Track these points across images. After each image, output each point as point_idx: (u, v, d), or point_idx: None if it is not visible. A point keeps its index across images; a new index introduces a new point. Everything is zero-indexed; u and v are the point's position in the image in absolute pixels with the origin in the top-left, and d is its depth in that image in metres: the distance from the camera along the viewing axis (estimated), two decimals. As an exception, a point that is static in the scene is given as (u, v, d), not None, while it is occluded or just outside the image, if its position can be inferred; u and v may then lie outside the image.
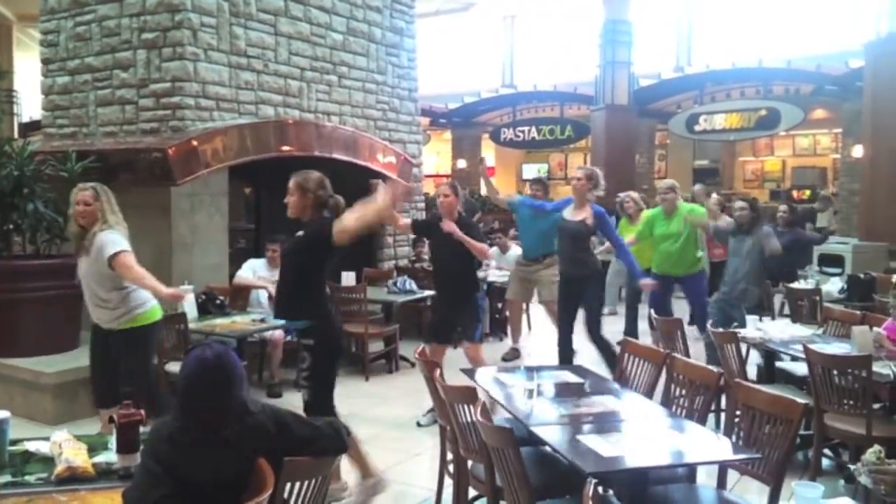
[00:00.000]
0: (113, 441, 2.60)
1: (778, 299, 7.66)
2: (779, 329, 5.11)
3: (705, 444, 3.01)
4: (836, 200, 13.65)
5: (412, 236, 8.35)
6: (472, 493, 3.44)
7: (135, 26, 6.33)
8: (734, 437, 3.29)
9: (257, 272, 6.42)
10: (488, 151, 21.45)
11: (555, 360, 6.06)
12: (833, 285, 7.38)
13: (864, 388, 3.87)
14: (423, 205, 8.98)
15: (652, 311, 5.68)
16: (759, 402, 3.14)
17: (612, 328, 8.26)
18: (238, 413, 2.25)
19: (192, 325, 5.26)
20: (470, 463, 3.38)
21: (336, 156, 7.23)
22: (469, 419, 3.19)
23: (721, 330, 4.90)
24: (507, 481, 2.78)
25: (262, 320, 5.71)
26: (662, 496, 3.01)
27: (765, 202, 15.98)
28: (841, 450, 4.47)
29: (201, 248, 6.27)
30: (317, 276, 3.81)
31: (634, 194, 8.56)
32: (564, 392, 3.62)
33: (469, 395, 3.22)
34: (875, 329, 4.35)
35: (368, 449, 3.86)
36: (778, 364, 4.99)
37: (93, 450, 2.67)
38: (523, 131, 18.83)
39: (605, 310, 9.66)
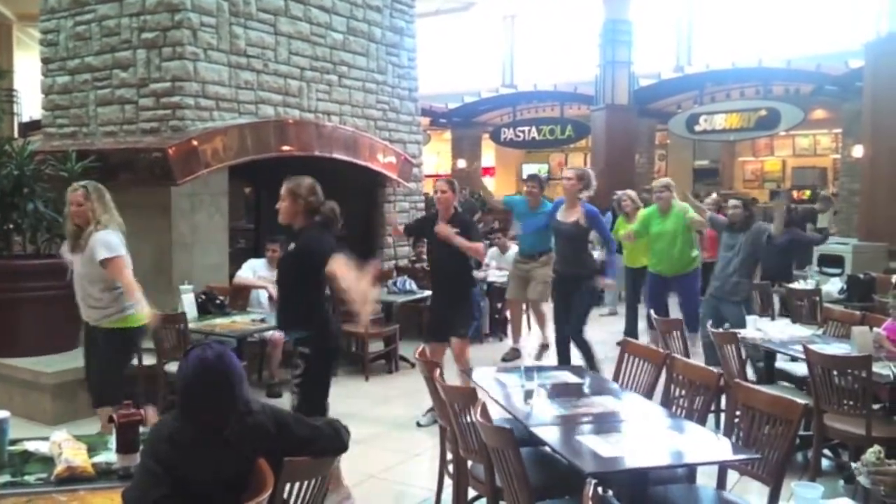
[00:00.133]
0: (112, 441, 2.60)
1: (776, 299, 7.66)
2: (778, 329, 5.11)
3: (705, 445, 3.02)
4: (835, 201, 13.65)
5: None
6: (471, 493, 3.44)
7: (135, 26, 6.33)
8: (734, 438, 3.29)
9: (257, 272, 6.42)
10: (488, 151, 21.46)
11: (554, 361, 6.08)
12: (833, 286, 7.39)
13: (863, 388, 3.87)
14: (422, 205, 8.99)
15: (652, 312, 5.69)
16: (758, 402, 3.14)
17: (613, 328, 8.28)
18: (238, 413, 2.25)
19: (191, 325, 5.27)
20: (470, 463, 3.38)
21: (336, 156, 7.23)
22: (469, 419, 3.19)
23: (720, 330, 4.90)
24: (506, 482, 2.78)
25: (262, 320, 5.71)
26: (662, 496, 3.01)
27: (764, 202, 15.98)
28: (840, 450, 4.47)
29: (201, 247, 6.27)
30: (312, 288, 3.78)
31: (632, 193, 8.54)
32: (564, 392, 3.62)
33: (469, 395, 3.22)
34: (875, 329, 4.35)
35: (368, 449, 3.87)
36: (777, 364, 4.99)
37: (92, 450, 2.68)
38: (523, 131, 18.81)
39: (606, 310, 9.69)
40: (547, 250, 6.71)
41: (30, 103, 14.38)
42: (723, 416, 4.69)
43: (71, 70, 6.79)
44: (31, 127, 14.20)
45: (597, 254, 7.20)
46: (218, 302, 5.95)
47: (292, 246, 3.83)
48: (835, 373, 3.98)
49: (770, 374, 4.94)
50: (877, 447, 2.35)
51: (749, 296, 6.09)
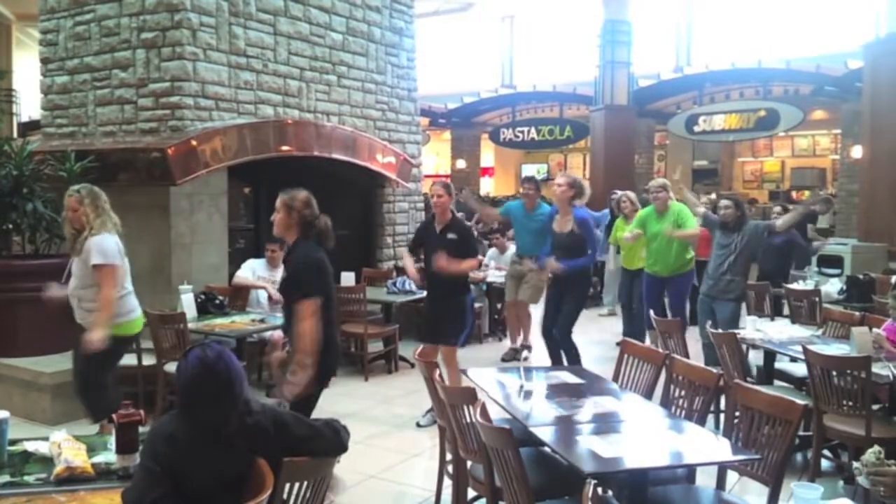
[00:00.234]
0: (112, 441, 2.60)
1: (772, 300, 7.66)
2: (778, 330, 5.12)
3: (705, 445, 3.02)
4: (834, 202, 13.65)
5: (411, 236, 8.34)
6: (471, 493, 3.44)
7: (134, 26, 6.33)
8: (733, 438, 3.29)
9: (257, 272, 6.42)
10: (487, 152, 21.47)
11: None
12: (832, 286, 7.39)
13: (863, 389, 3.87)
14: (421, 205, 8.99)
15: (651, 312, 5.69)
16: (758, 402, 3.14)
17: (613, 328, 8.28)
18: (238, 413, 2.25)
19: (191, 325, 5.26)
20: (469, 463, 3.38)
21: (335, 156, 7.22)
22: (468, 420, 3.19)
23: (720, 331, 4.90)
24: (506, 482, 2.78)
25: (262, 320, 5.71)
26: (662, 497, 3.01)
27: (764, 203, 16.00)
28: (840, 451, 4.47)
29: (200, 248, 6.27)
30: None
31: (631, 194, 8.54)
32: (563, 392, 3.62)
33: (468, 395, 3.22)
34: (874, 330, 4.35)
35: (368, 449, 3.86)
36: (777, 365, 4.99)
37: (92, 450, 2.68)
38: (523, 131, 18.81)
39: (605, 310, 9.70)
40: (543, 254, 6.70)
41: (29, 103, 14.40)
42: (722, 416, 4.69)
43: (70, 70, 6.79)
44: (30, 127, 14.21)
45: None
46: (217, 302, 5.95)
47: (288, 266, 3.81)
48: (834, 373, 3.99)
49: (769, 374, 4.94)
50: (876, 447, 2.34)
51: (743, 294, 6.08)
